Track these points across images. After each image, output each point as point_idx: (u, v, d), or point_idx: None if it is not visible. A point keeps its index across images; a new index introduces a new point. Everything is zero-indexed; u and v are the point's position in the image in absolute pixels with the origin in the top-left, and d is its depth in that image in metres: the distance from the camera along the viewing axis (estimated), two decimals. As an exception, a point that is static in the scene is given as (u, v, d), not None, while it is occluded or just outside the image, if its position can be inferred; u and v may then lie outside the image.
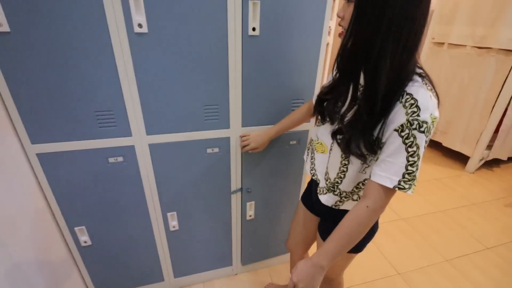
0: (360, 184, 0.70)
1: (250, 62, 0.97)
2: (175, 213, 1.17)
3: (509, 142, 2.67)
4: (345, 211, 0.68)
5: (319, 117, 0.76)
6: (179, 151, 1.04)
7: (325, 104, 0.71)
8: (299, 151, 1.21)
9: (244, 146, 1.05)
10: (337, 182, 0.71)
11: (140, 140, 0.97)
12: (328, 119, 0.71)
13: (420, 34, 0.55)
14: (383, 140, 0.57)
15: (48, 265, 0.96)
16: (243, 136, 1.06)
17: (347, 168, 0.68)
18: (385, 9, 0.51)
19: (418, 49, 0.57)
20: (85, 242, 1.10)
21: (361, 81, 0.61)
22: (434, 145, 3.07)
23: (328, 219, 0.83)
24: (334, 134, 0.66)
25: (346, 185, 0.70)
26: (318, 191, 0.79)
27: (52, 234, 1.01)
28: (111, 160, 0.97)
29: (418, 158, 0.55)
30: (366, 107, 0.57)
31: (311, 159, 0.83)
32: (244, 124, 1.07)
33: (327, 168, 0.75)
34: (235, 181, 1.19)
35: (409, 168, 0.55)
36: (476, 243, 1.83)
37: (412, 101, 0.53)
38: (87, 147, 0.92)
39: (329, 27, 2.38)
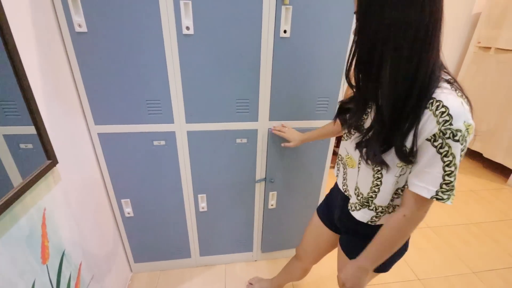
0: (394, 196, 0.66)
1: (280, 62, 1.06)
2: (204, 195, 1.30)
3: (562, 157, 2.43)
4: (376, 227, 0.70)
5: (343, 128, 0.75)
6: (212, 139, 1.17)
7: (347, 114, 0.71)
8: (323, 146, 1.28)
9: (279, 132, 1.13)
10: (371, 197, 0.69)
11: (180, 127, 1.12)
12: (353, 131, 0.70)
13: (433, 37, 0.51)
14: (415, 149, 0.55)
15: (99, 228, 1.15)
16: (283, 126, 1.15)
17: (381, 181, 0.65)
18: (383, 15, 0.51)
19: (437, 56, 0.54)
20: (128, 213, 1.29)
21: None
22: (473, 155, 2.89)
23: (355, 236, 0.80)
24: (357, 146, 0.65)
25: (381, 200, 0.67)
26: (350, 208, 0.76)
27: (103, 203, 1.20)
28: (155, 143, 1.13)
29: (456, 168, 0.53)
30: (377, 118, 0.59)
31: (344, 174, 0.80)
32: (271, 118, 1.17)
33: (357, 183, 0.72)
34: (260, 171, 1.29)
35: (447, 178, 0.54)
36: (510, 258, 1.72)
37: (443, 109, 0.51)
38: (137, 130, 1.09)
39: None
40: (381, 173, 0.64)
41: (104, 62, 0.96)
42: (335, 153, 2.62)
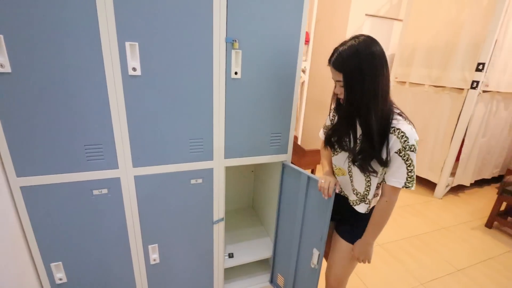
0: (376, 188, 0.96)
1: (232, 101, 1.07)
2: (156, 245, 1.17)
3: (469, 169, 2.93)
4: (364, 214, 1.01)
5: (331, 150, 1.05)
6: (163, 183, 1.09)
7: (333, 140, 0.99)
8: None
9: (330, 190, 1.01)
10: (366, 194, 0.98)
11: (126, 172, 1.01)
12: (339, 150, 1.00)
13: (388, 87, 0.84)
14: (389, 159, 0.86)
15: (19, 305, 0.92)
16: (321, 185, 1.03)
17: (370, 182, 0.95)
18: (363, 85, 0.81)
19: (390, 97, 0.87)
20: (60, 279, 1.07)
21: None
22: (405, 172, 3.27)
23: (348, 224, 1.08)
24: (353, 162, 0.94)
25: (371, 194, 0.97)
26: (352, 204, 1.03)
27: (27, 271, 0.98)
28: (95, 192, 0.99)
29: (414, 167, 0.85)
30: (367, 142, 0.87)
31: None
32: (227, 156, 1.15)
33: (353, 185, 1.00)
34: (218, 211, 1.23)
35: (409, 173, 0.86)
36: (448, 265, 1.92)
37: (402, 133, 0.83)
38: (73, 179, 0.95)
39: (304, 67, 2.62)
40: (370, 177, 0.94)
41: (32, 105, 0.84)
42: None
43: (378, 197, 0.99)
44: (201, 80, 1.00)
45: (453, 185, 2.95)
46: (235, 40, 0.98)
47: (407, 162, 0.85)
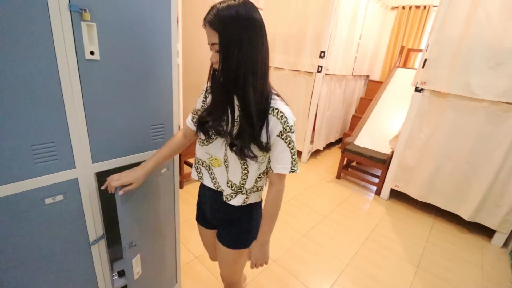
0: (257, 179, 0.89)
1: (93, 89, 0.84)
2: (0, 300, 0.82)
3: (322, 136, 3.72)
4: (243, 213, 0.94)
5: (204, 137, 0.89)
6: (-4, 212, 0.75)
7: (207, 125, 0.85)
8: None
9: (111, 185, 0.88)
10: (243, 184, 0.88)
11: None
12: (215, 137, 0.87)
13: (267, 64, 0.79)
14: (270, 143, 0.80)
15: None
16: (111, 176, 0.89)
17: (247, 170, 0.86)
18: (241, 50, 0.71)
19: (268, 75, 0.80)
20: None
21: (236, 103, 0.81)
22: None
23: (227, 227, 0.99)
24: (230, 146, 0.82)
25: (249, 184, 0.88)
26: (226, 199, 0.92)
27: None
28: None
29: (295, 149, 0.82)
30: (246, 122, 0.77)
31: (210, 174, 0.95)
32: (95, 160, 0.92)
33: (228, 177, 0.89)
34: (94, 229, 0.98)
35: (293, 157, 0.82)
36: (317, 215, 2.42)
37: (281, 114, 0.78)
38: None
39: (177, 50, 2.45)
40: (247, 164, 0.85)
41: None
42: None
43: (259, 192, 0.94)
44: (36, 63, 0.71)
45: (313, 151, 3.68)
46: (85, 9, 0.74)
47: (289, 146, 0.80)
